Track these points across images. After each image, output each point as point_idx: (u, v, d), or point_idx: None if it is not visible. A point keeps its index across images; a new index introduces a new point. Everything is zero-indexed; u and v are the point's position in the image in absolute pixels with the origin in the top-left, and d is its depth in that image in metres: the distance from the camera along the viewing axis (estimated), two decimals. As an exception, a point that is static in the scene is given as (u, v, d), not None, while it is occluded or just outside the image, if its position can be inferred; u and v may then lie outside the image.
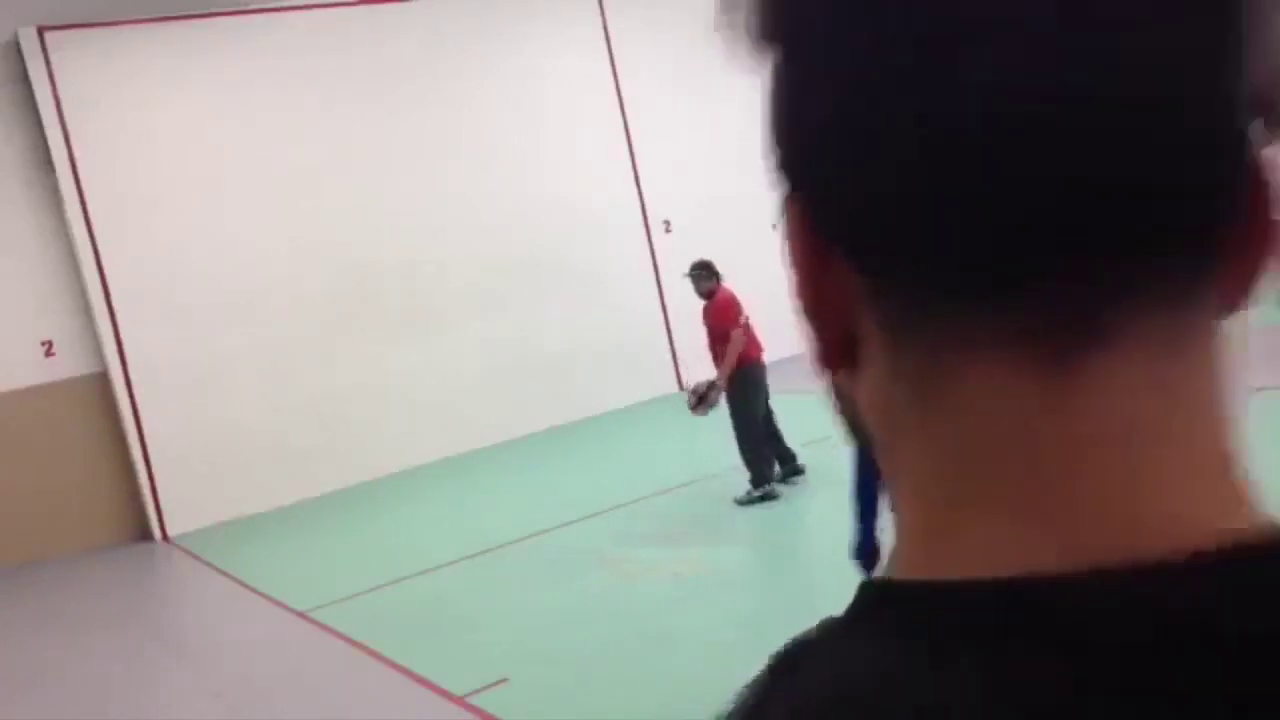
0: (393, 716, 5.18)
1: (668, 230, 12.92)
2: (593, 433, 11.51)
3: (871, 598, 0.44)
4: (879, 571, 0.47)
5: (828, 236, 0.44)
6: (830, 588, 5.68)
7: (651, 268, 12.84)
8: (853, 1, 0.41)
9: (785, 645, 0.47)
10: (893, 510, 0.47)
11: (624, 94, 12.81)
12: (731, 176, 13.41)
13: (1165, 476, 0.41)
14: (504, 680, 5.19)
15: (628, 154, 12.83)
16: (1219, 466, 0.42)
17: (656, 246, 12.85)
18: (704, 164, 13.21)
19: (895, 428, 0.45)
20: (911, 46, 0.39)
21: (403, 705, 5.25)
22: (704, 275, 7.63)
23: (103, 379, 10.37)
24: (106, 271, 10.25)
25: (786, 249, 0.46)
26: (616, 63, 12.79)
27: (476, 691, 5.07)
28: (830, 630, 0.45)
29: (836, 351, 0.46)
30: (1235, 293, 0.43)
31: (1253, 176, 0.41)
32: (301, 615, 6.95)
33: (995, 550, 0.41)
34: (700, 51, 13.49)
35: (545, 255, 12.21)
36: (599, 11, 12.71)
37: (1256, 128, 0.41)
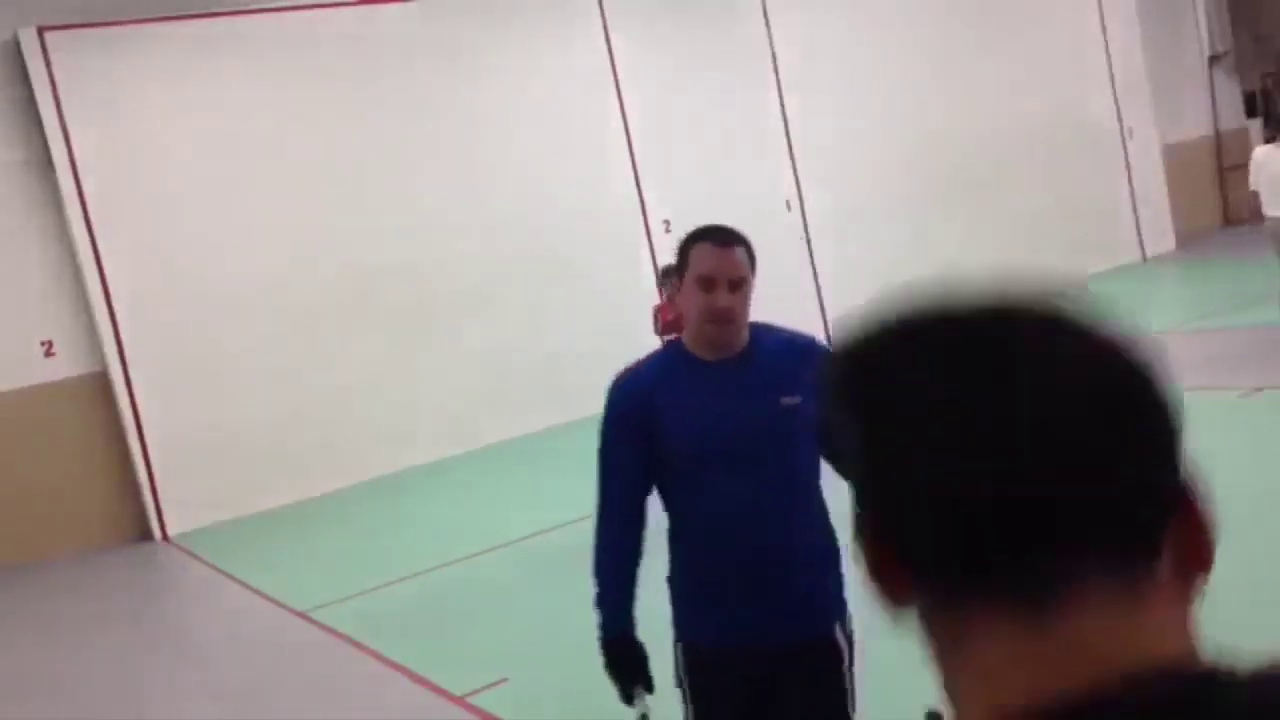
0: (393, 717, 5.18)
1: (668, 230, 12.91)
2: (592, 433, 11.46)
3: None
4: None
5: (887, 544, 0.72)
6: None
7: (652, 268, 12.83)
8: (939, 407, 0.68)
9: None
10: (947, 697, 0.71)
11: (624, 93, 12.81)
12: (731, 177, 13.42)
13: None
14: (504, 680, 5.19)
15: (628, 154, 12.82)
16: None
17: (656, 246, 12.85)
18: (704, 164, 13.20)
19: (942, 653, 0.71)
20: (967, 459, 0.67)
21: (403, 705, 5.25)
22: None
23: (103, 379, 10.37)
24: (106, 271, 10.25)
25: (859, 547, 0.74)
26: (616, 63, 12.79)
27: (476, 691, 5.08)
28: None
29: (893, 601, 0.73)
30: (1186, 574, 0.69)
31: (1178, 512, 0.69)
32: (301, 615, 6.95)
33: None
34: (701, 51, 13.51)
35: (545, 255, 12.21)
36: (599, 11, 12.71)
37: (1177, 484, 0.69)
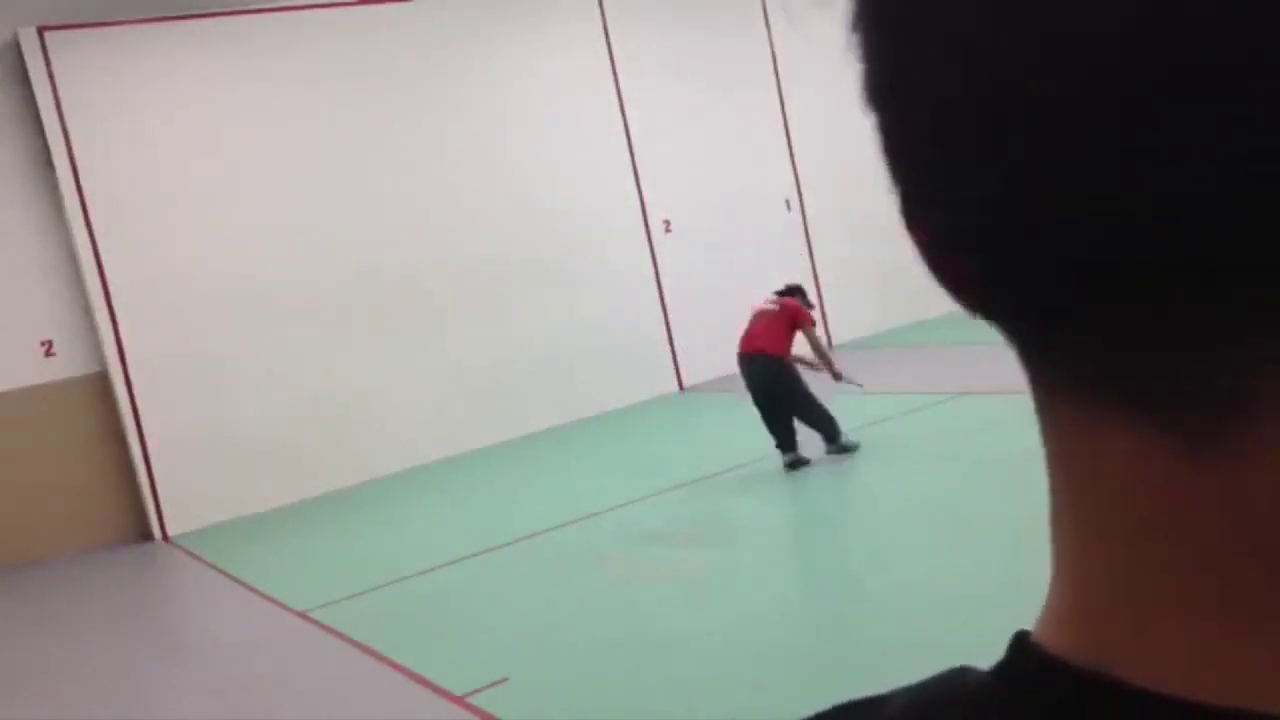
0: (393, 716, 5.18)
1: (668, 230, 12.92)
2: (593, 433, 11.51)
3: (1044, 682, 0.35)
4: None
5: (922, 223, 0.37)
6: (831, 587, 5.68)
7: (651, 268, 12.84)
8: None
9: (877, 701, 0.40)
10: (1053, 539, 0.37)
11: (624, 93, 12.81)
12: (731, 176, 13.43)
13: None
14: (504, 680, 5.19)
15: (628, 154, 12.83)
16: None
17: (656, 246, 12.86)
18: (704, 164, 13.21)
19: (1048, 448, 0.36)
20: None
21: (403, 705, 5.25)
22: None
23: (103, 379, 10.37)
24: (106, 271, 10.26)
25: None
26: (616, 62, 12.79)
27: (476, 691, 5.07)
28: (975, 703, 0.37)
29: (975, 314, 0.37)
30: None
31: None
32: (301, 615, 6.95)
33: (1201, 669, 0.32)
34: (701, 51, 13.51)
35: (545, 255, 12.21)
36: (599, 11, 12.71)
37: None
